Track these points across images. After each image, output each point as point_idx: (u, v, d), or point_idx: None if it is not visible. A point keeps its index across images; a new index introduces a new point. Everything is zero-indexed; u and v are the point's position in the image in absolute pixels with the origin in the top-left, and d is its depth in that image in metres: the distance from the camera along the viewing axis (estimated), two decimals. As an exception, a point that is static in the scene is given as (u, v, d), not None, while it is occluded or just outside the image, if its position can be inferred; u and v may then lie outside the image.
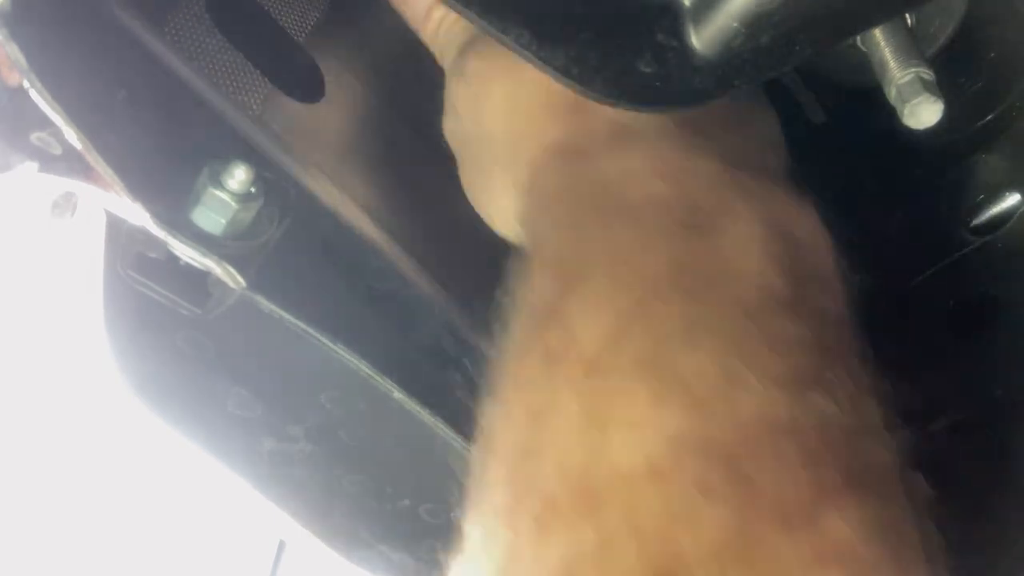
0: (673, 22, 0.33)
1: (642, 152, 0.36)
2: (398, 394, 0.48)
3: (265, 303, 0.41)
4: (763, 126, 0.43)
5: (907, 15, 0.40)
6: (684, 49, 0.33)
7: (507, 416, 0.31)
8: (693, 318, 0.29)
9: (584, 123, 0.37)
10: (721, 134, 0.37)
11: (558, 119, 0.38)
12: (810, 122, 0.49)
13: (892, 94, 0.38)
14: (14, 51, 0.32)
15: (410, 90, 0.54)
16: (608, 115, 0.36)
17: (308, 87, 0.47)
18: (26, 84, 0.33)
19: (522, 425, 0.30)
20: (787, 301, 0.31)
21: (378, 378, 0.47)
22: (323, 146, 0.46)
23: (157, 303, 0.43)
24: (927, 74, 0.37)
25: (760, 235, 0.32)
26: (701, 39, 0.33)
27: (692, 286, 0.30)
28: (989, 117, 0.44)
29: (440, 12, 0.44)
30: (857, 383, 0.30)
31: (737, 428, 0.26)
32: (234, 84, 0.42)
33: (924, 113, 0.37)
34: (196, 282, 0.43)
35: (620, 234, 0.33)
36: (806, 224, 0.34)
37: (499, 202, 0.41)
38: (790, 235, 0.33)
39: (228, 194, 0.38)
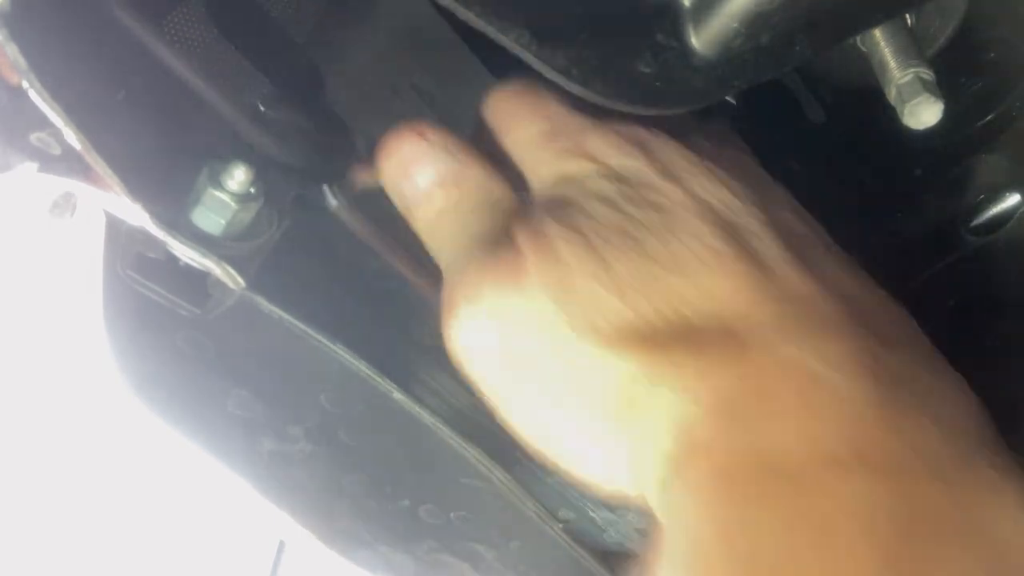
0: (673, 22, 0.33)
1: (847, 425, 0.30)
2: (398, 394, 0.48)
3: (265, 303, 0.41)
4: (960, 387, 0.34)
5: (907, 15, 0.39)
6: (684, 49, 0.33)
7: None
8: None
9: (752, 373, 0.31)
10: (911, 372, 0.32)
11: (703, 360, 0.32)
12: (810, 122, 0.49)
13: (892, 94, 0.38)
14: (14, 51, 0.32)
15: (411, 90, 0.54)
16: (791, 357, 0.31)
17: (308, 87, 0.47)
18: (26, 84, 0.33)
19: None
20: None
21: (378, 378, 0.47)
22: (323, 146, 0.46)
23: (157, 303, 0.43)
24: (927, 74, 0.37)
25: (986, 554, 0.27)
26: (701, 39, 0.33)
27: None
28: (989, 117, 0.44)
29: (443, 197, 0.38)
30: None
31: None
32: (234, 84, 0.42)
33: (924, 113, 0.37)
34: (196, 282, 0.43)
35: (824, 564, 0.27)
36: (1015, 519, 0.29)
37: (596, 456, 0.35)
38: (1007, 550, 0.28)
39: (228, 194, 0.38)
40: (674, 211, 0.34)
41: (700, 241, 0.33)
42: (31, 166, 0.38)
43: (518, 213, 0.37)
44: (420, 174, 0.39)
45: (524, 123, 0.39)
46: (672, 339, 0.32)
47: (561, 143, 0.37)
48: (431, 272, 0.41)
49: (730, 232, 0.34)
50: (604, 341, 0.32)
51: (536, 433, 0.36)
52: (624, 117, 0.36)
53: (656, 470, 0.32)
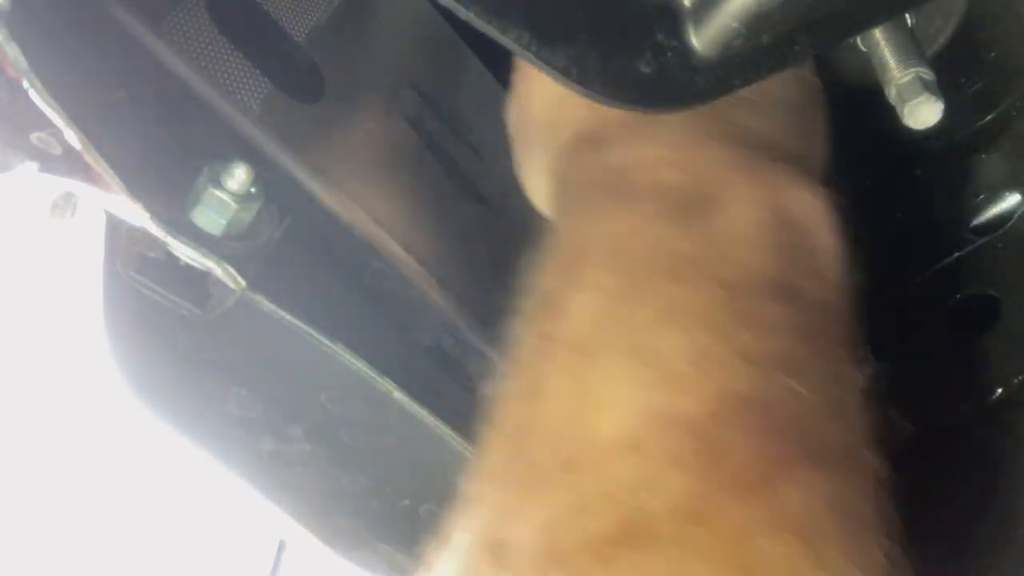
0: (673, 22, 0.33)
1: (654, 140, 0.37)
2: (398, 394, 0.48)
3: (265, 303, 0.41)
4: (793, 109, 0.42)
5: (907, 15, 0.40)
6: (684, 49, 0.33)
7: (507, 393, 0.33)
8: (676, 300, 0.31)
9: (605, 110, 0.39)
10: (742, 119, 0.39)
11: (586, 106, 0.39)
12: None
13: (892, 94, 0.38)
14: (14, 51, 0.32)
15: (411, 90, 0.54)
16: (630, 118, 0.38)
17: (308, 87, 0.47)
18: (26, 84, 0.33)
19: (519, 401, 0.33)
20: (772, 285, 0.32)
21: (378, 378, 0.47)
22: (323, 146, 0.46)
23: (157, 303, 0.43)
24: (927, 74, 0.37)
25: (756, 219, 0.34)
26: (701, 39, 0.33)
27: (680, 270, 0.32)
28: (989, 117, 0.44)
29: None
30: (833, 367, 0.32)
31: (706, 402, 0.29)
32: (234, 84, 0.42)
33: (924, 113, 0.37)
34: (196, 282, 0.43)
35: (620, 220, 0.35)
36: (808, 211, 0.35)
37: (537, 182, 0.44)
38: (789, 220, 0.34)
39: (228, 194, 0.38)
40: None
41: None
42: (31, 166, 0.38)
43: None
44: None
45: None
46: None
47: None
48: None
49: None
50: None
51: (522, 155, 0.45)
52: None
53: (548, 185, 0.41)
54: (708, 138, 0.37)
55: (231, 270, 0.39)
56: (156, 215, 0.37)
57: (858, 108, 0.46)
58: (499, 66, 0.56)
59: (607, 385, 0.30)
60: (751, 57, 0.33)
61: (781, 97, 0.41)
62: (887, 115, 0.38)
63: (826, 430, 0.30)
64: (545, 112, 0.43)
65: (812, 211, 0.35)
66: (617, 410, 0.29)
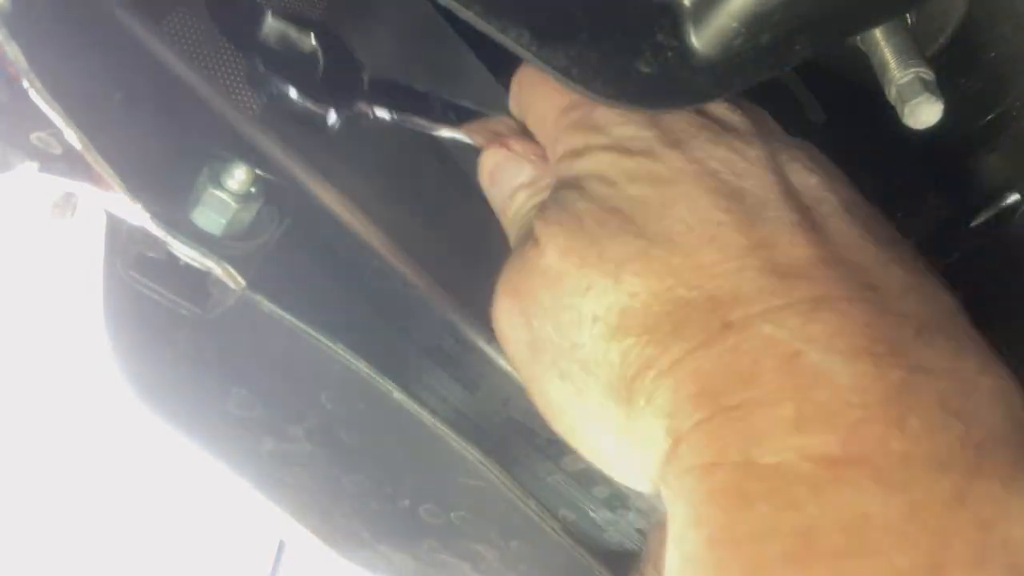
0: (673, 22, 0.33)
1: (826, 422, 0.28)
2: (398, 394, 0.48)
3: (265, 303, 0.41)
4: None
5: (907, 15, 0.40)
6: (684, 49, 0.33)
7: None
8: None
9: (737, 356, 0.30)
10: (947, 371, 0.29)
11: (687, 339, 0.31)
12: (810, 122, 0.49)
13: (892, 94, 0.38)
14: (14, 51, 0.32)
15: (410, 89, 0.54)
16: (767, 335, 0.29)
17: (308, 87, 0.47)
18: (26, 84, 0.33)
19: None
20: None
21: (378, 378, 0.47)
22: (323, 146, 0.46)
23: (157, 303, 0.43)
24: (927, 74, 0.37)
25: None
26: (701, 39, 0.33)
27: None
28: (989, 117, 0.44)
29: (523, 195, 0.40)
30: None
31: None
32: (234, 84, 0.42)
33: (924, 113, 0.37)
34: (196, 282, 0.43)
35: None
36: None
37: (608, 443, 0.34)
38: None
39: (228, 194, 0.38)
40: (674, 181, 0.33)
41: (697, 214, 0.32)
42: (32, 166, 0.38)
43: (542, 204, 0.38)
44: (504, 181, 0.41)
45: (544, 98, 0.39)
46: (662, 318, 0.31)
47: (572, 116, 0.37)
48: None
49: (731, 199, 0.33)
50: (602, 329, 0.32)
51: (561, 423, 0.36)
52: None
53: (656, 468, 0.32)
54: (919, 407, 0.28)
55: (231, 270, 0.39)
56: (156, 215, 0.37)
57: (858, 108, 0.46)
58: (499, 66, 0.56)
59: None
60: (751, 57, 0.33)
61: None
62: (887, 115, 0.38)
63: None
64: (604, 342, 0.33)
65: None
66: None
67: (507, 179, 0.40)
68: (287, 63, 0.38)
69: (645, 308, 0.32)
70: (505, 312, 0.36)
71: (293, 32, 0.38)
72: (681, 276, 0.32)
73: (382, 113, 0.42)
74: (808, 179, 0.34)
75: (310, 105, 0.38)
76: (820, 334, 0.29)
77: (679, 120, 0.35)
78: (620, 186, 0.34)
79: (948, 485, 0.26)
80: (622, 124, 0.35)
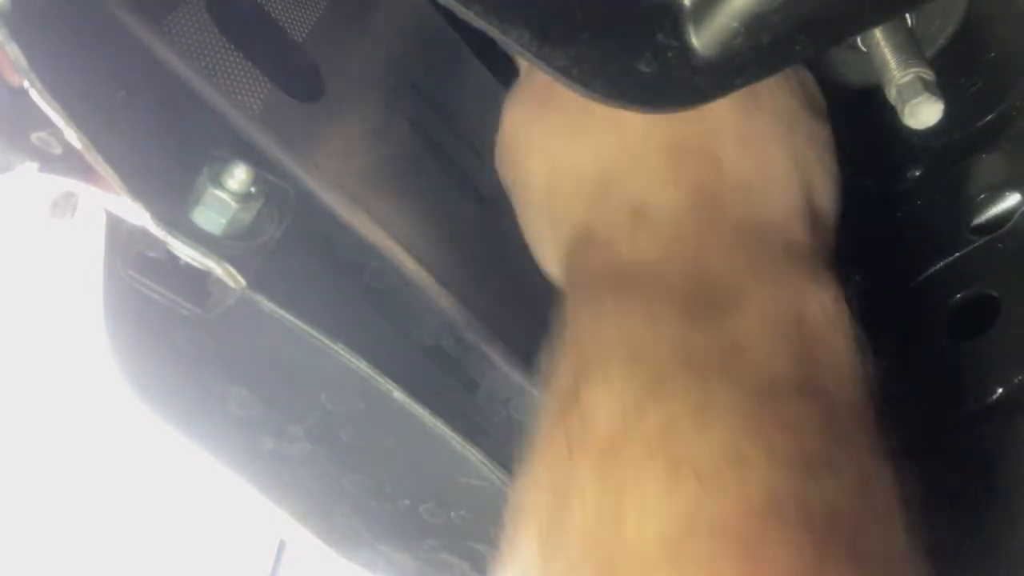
0: (673, 22, 0.33)
1: (657, 239, 0.37)
2: (398, 394, 0.47)
3: (265, 303, 0.41)
4: (791, 187, 0.41)
5: (907, 15, 0.40)
6: (684, 49, 0.33)
7: (536, 491, 0.33)
8: (702, 401, 0.31)
9: (607, 209, 0.39)
10: (742, 207, 0.38)
11: (586, 202, 0.40)
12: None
13: (892, 94, 0.38)
14: (14, 51, 0.32)
15: (411, 90, 0.54)
16: (630, 199, 0.39)
17: (308, 87, 0.47)
18: (26, 84, 0.33)
19: (549, 503, 0.32)
20: (796, 384, 0.32)
21: (378, 378, 0.47)
22: (323, 146, 0.46)
23: (157, 303, 0.43)
24: (927, 74, 0.37)
25: (771, 319, 0.34)
26: (701, 39, 0.33)
27: (702, 371, 0.32)
28: (989, 117, 0.44)
29: None
30: (867, 464, 0.31)
31: (745, 506, 0.28)
32: (234, 84, 0.42)
33: (924, 113, 0.37)
34: (196, 282, 0.43)
35: (634, 322, 0.35)
36: (822, 307, 0.35)
37: (548, 258, 0.44)
38: (803, 318, 0.34)
39: (228, 194, 0.38)
40: None
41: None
42: (32, 166, 0.38)
43: None
44: None
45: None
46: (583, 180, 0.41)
47: None
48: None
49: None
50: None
51: (526, 230, 0.46)
52: None
53: (558, 269, 0.42)
54: (710, 234, 0.37)
55: (231, 270, 0.39)
56: (156, 215, 0.37)
57: (858, 108, 0.46)
58: (499, 66, 0.56)
59: (638, 487, 0.29)
60: (751, 57, 0.33)
61: (766, 168, 0.40)
62: (887, 115, 0.38)
63: (865, 530, 0.29)
64: (541, 197, 0.43)
65: (828, 312, 0.35)
66: (652, 513, 0.29)
67: None
68: None
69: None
70: (501, 140, 0.47)
71: None
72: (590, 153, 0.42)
73: None
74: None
75: None
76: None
77: None
78: None
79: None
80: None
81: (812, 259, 0.38)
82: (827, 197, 0.42)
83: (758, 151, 0.40)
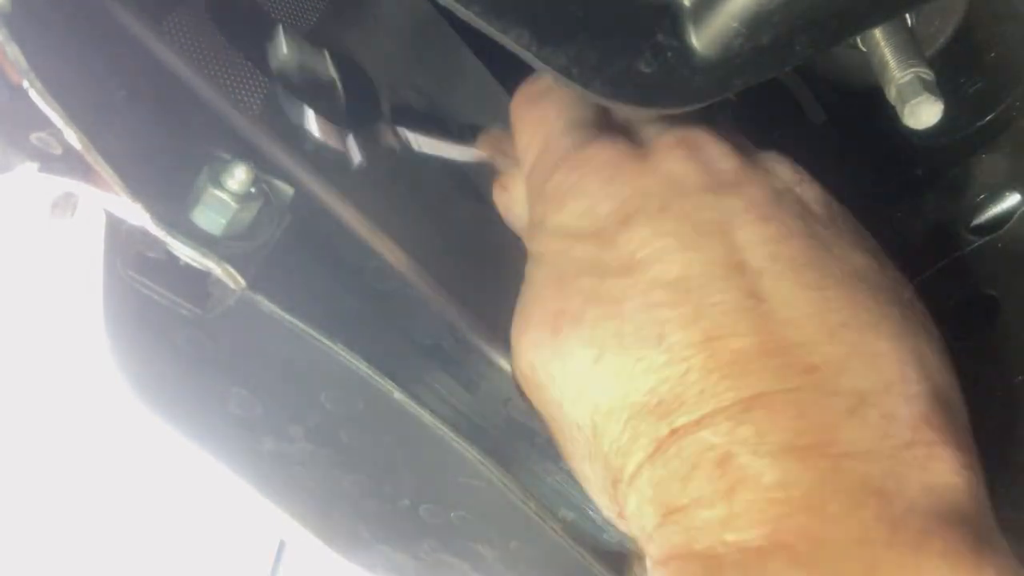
0: (673, 22, 0.33)
1: (758, 510, 0.30)
2: (398, 394, 0.47)
3: (265, 303, 0.41)
4: (913, 387, 0.32)
5: (907, 15, 0.40)
6: (684, 49, 0.33)
7: None
8: None
9: (679, 460, 0.32)
10: (858, 440, 0.30)
11: (647, 447, 0.33)
12: (810, 122, 0.49)
13: (892, 94, 0.38)
14: (14, 51, 0.32)
15: (411, 90, 0.54)
16: (709, 446, 0.31)
17: (308, 87, 0.47)
18: (26, 84, 0.33)
19: None
20: None
21: (378, 378, 0.47)
22: (323, 146, 0.46)
23: (157, 303, 0.43)
24: (927, 74, 0.37)
25: None
26: (701, 39, 0.33)
27: None
28: (989, 117, 0.44)
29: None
30: None
31: None
32: (234, 84, 0.42)
33: (924, 113, 0.37)
34: (196, 282, 0.43)
35: None
36: None
37: (610, 511, 0.37)
38: None
39: (228, 194, 0.38)
40: (620, 272, 0.34)
41: (644, 312, 0.33)
42: (31, 166, 0.38)
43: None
44: (514, 221, 0.44)
45: (528, 132, 0.41)
46: (624, 427, 0.33)
47: (532, 180, 0.40)
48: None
49: (676, 289, 0.33)
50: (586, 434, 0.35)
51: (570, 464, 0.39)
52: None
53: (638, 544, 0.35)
54: (835, 484, 0.29)
55: (231, 270, 0.39)
56: (156, 215, 0.37)
57: (858, 108, 0.46)
58: (499, 66, 0.56)
59: None
60: (751, 57, 0.33)
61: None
62: (887, 115, 0.38)
63: None
64: (586, 450, 0.36)
65: None
66: None
67: (515, 220, 0.43)
68: (308, 87, 0.39)
69: (607, 417, 0.34)
70: (517, 364, 0.39)
71: (308, 55, 0.39)
72: (634, 383, 0.33)
73: (404, 136, 0.43)
74: (760, 231, 0.34)
75: (331, 135, 0.38)
76: (750, 436, 0.30)
77: (633, 182, 0.36)
78: (567, 280, 0.35)
79: (861, 559, 0.28)
80: (575, 198, 0.36)
81: (966, 513, 0.30)
82: (955, 389, 0.34)
83: (852, 332, 0.32)
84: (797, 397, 0.31)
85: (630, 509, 0.34)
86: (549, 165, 0.39)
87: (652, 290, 0.33)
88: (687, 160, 0.36)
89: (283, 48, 0.38)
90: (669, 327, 0.32)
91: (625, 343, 0.33)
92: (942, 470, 0.30)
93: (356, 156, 0.41)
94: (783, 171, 0.38)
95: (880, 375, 0.32)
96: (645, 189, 0.36)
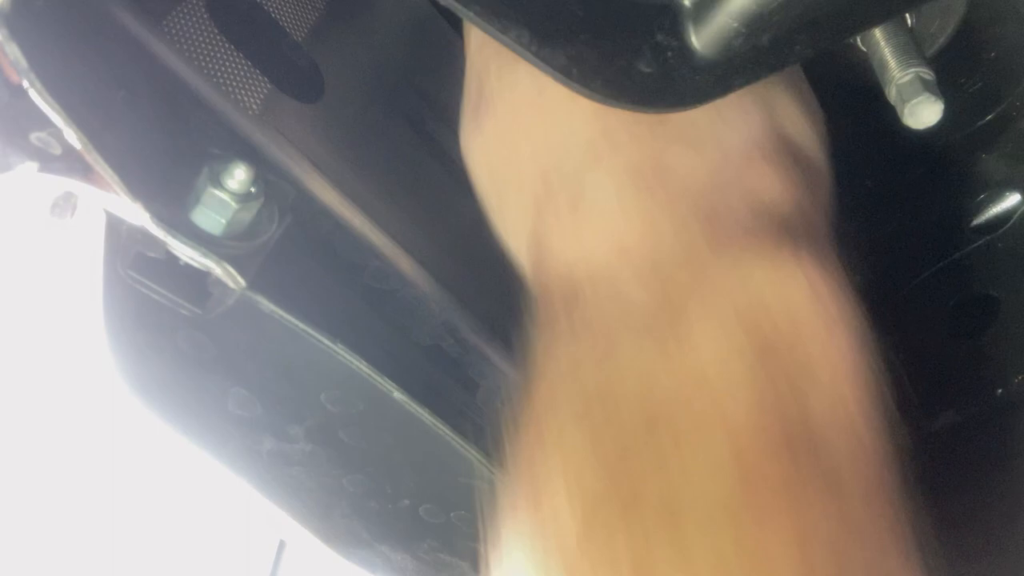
0: (673, 22, 0.33)
1: (602, 230, 0.34)
2: (398, 394, 0.48)
3: (265, 303, 0.41)
4: (753, 118, 0.37)
5: (907, 15, 0.40)
6: (684, 49, 0.33)
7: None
8: (666, 497, 0.27)
9: (551, 209, 0.36)
10: (689, 159, 0.35)
11: (531, 207, 0.37)
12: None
13: (892, 94, 0.38)
14: (14, 51, 0.32)
15: (411, 90, 0.54)
16: (570, 190, 0.35)
17: (308, 87, 0.47)
18: (26, 84, 0.33)
19: None
20: (779, 447, 0.28)
21: (378, 378, 0.47)
22: (323, 146, 0.46)
23: (157, 303, 0.43)
24: (927, 74, 0.37)
25: (730, 346, 0.30)
26: (701, 39, 0.33)
27: (660, 437, 0.28)
28: (989, 117, 0.44)
29: None
30: (887, 557, 0.28)
31: None
32: (234, 84, 0.42)
33: (924, 113, 0.37)
34: (196, 282, 0.43)
35: (584, 346, 0.32)
36: (800, 311, 0.31)
37: (513, 245, 0.41)
38: (776, 335, 0.30)
39: (228, 194, 0.38)
40: None
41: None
42: (31, 166, 0.38)
43: None
44: None
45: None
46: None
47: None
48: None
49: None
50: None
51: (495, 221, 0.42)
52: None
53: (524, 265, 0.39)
54: (670, 212, 0.33)
55: (231, 270, 0.39)
56: (156, 215, 0.37)
57: (858, 108, 0.46)
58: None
59: None
60: (751, 57, 0.33)
61: (767, 113, 0.37)
62: (887, 115, 0.38)
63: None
64: (495, 212, 0.41)
65: (805, 310, 0.31)
66: None
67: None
68: None
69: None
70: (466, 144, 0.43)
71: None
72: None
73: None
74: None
75: None
76: (602, 179, 0.36)
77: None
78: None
79: (690, 266, 0.32)
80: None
81: (787, 217, 0.34)
82: (806, 136, 0.38)
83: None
84: (648, 149, 0.35)
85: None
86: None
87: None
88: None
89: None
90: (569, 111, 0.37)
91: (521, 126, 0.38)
92: (766, 189, 0.34)
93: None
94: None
95: (726, 124, 0.36)
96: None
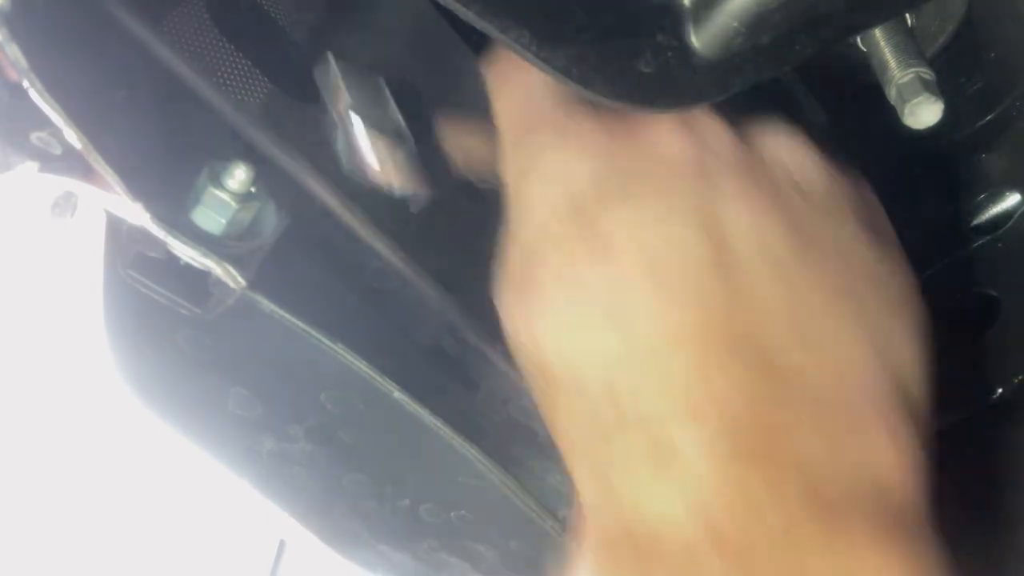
0: (673, 22, 0.33)
1: (684, 502, 0.30)
2: (398, 394, 0.48)
3: (265, 303, 0.41)
4: (877, 388, 0.32)
5: (907, 15, 0.39)
6: (684, 49, 0.33)
7: None
8: None
9: (621, 445, 0.32)
10: (808, 437, 0.30)
11: (596, 431, 0.33)
12: (810, 122, 0.49)
13: (892, 94, 0.38)
14: (14, 51, 0.32)
15: (412, 91, 0.54)
16: (648, 429, 0.31)
17: (308, 87, 0.47)
18: (26, 84, 0.33)
19: None
20: None
21: (378, 378, 0.47)
22: (323, 146, 0.46)
23: (157, 303, 0.43)
24: (927, 74, 0.37)
25: None
26: (701, 39, 0.33)
27: None
28: (989, 117, 0.44)
29: None
30: None
31: None
32: (234, 84, 0.42)
33: (924, 113, 0.37)
34: (196, 282, 0.43)
35: None
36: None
37: (563, 446, 0.36)
38: None
39: (228, 194, 0.38)
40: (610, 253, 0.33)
41: (619, 297, 0.32)
42: (32, 166, 0.38)
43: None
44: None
45: (506, 96, 0.39)
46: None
47: (526, 145, 0.37)
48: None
49: (649, 284, 0.32)
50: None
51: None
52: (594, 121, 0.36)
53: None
54: (773, 491, 0.29)
55: (231, 270, 0.39)
56: (156, 215, 0.37)
57: (858, 108, 0.46)
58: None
59: None
60: (751, 57, 0.33)
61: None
62: (887, 115, 0.38)
63: None
64: (548, 414, 0.36)
65: None
66: None
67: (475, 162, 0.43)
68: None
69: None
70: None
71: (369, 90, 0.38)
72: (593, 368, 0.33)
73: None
74: (747, 220, 0.33)
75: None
76: (702, 438, 0.30)
77: (620, 160, 0.34)
78: (539, 250, 0.35)
79: (788, 548, 0.29)
80: (555, 152, 0.35)
81: (903, 508, 0.31)
82: (920, 380, 0.34)
83: (820, 337, 0.32)
84: (753, 408, 0.30)
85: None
86: (535, 120, 0.36)
87: (623, 278, 0.32)
88: (683, 142, 0.35)
89: (343, 90, 0.38)
90: (636, 314, 0.32)
91: (590, 324, 0.32)
92: (879, 463, 0.31)
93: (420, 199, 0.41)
94: (786, 156, 0.37)
95: (841, 379, 0.31)
96: (632, 169, 0.34)
